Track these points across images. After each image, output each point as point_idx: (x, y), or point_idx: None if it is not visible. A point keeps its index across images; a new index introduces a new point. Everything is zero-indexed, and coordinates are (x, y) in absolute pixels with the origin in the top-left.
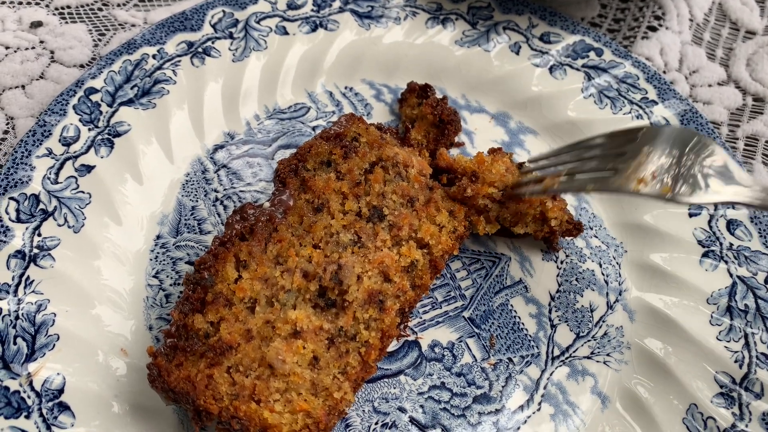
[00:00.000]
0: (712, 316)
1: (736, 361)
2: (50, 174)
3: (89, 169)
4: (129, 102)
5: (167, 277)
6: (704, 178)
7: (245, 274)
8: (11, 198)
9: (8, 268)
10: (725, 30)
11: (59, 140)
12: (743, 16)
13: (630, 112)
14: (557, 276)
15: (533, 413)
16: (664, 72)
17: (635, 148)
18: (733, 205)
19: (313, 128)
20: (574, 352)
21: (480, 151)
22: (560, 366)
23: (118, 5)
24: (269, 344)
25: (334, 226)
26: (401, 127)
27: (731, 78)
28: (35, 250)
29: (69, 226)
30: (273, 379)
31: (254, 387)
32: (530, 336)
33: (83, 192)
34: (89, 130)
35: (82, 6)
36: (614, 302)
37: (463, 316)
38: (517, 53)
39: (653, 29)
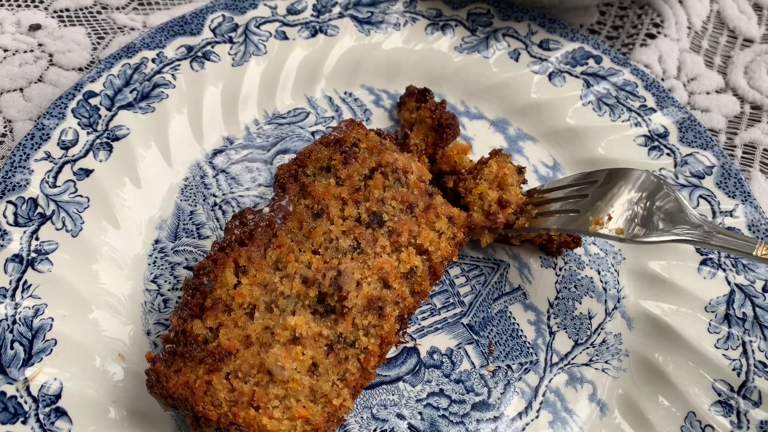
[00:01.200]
0: (710, 324)
1: (734, 369)
2: (48, 178)
3: (88, 173)
4: (128, 106)
5: (165, 281)
6: (657, 220)
7: (244, 280)
8: (9, 201)
9: (6, 272)
10: (723, 38)
11: (58, 144)
12: (741, 24)
13: (629, 120)
14: (556, 283)
15: (531, 420)
16: (663, 79)
17: (598, 191)
18: (679, 242)
19: (313, 133)
20: (572, 359)
21: (483, 156)
22: (559, 373)
23: (118, 8)
24: (268, 350)
25: (333, 231)
26: (400, 132)
27: (729, 86)
28: (33, 254)
29: (67, 230)
30: (272, 385)
31: (253, 393)
32: (529, 343)
33: (81, 196)
34: (88, 133)
35: (81, 9)
36: (612, 309)
37: (462, 323)
38: (517, 60)
39: (652, 36)
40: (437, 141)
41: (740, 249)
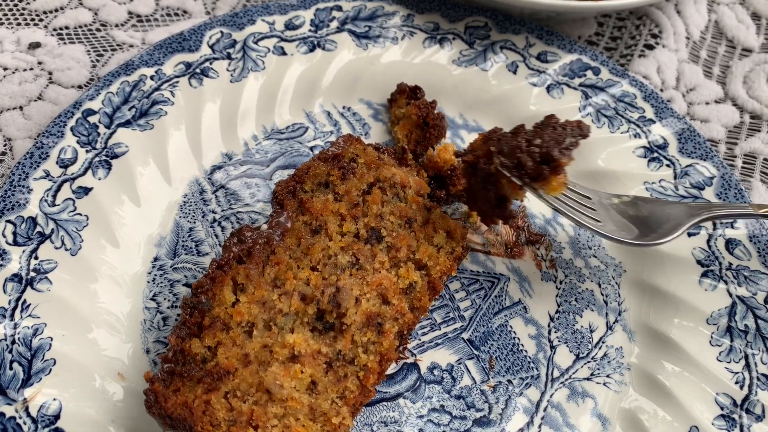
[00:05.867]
0: (712, 337)
1: (736, 383)
2: (47, 196)
3: (87, 191)
4: (127, 123)
5: (165, 299)
6: (655, 222)
7: (243, 298)
8: (8, 221)
9: (5, 292)
10: (722, 48)
11: (57, 162)
12: (739, 34)
13: (627, 131)
14: (556, 296)
15: None
16: (662, 90)
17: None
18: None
19: (311, 148)
20: (573, 373)
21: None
22: (560, 388)
23: (116, 26)
24: (267, 369)
25: (332, 248)
26: (398, 147)
27: (728, 96)
28: (32, 274)
29: (66, 249)
30: (271, 404)
31: (252, 412)
32: (530, 357)
33: (80, 214)
34: (87, 151)
35: (81, 27)
36: (614, 323)
37: (462, 338)
38: (515, 72)
39: (650, 47)
40: (420, 139)
41: (741, 212)
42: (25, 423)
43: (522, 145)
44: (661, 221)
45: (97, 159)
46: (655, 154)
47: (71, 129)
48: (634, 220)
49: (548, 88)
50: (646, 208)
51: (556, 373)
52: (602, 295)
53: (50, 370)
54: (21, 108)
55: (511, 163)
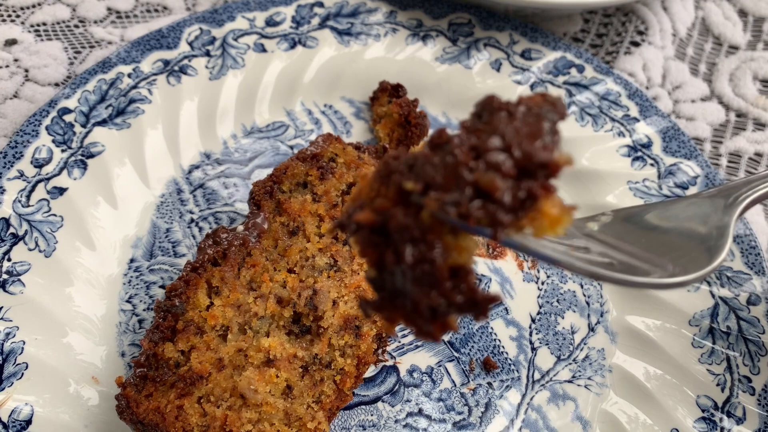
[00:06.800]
0: (694, 339)
1: (718, 385)
2: (21, 197)
3: (61, 191)
4: (103, 122)
5: (140, 301)
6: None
7: (217, 301)
8: None
9: None
10: (708, 45)
11: (31, 162)
12: (726, 31)
13: (611, 130)
14: (538, 297)
15: None
16: (647, 87)
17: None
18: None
19: (291, 147)
20: (554, 375)
21: None
22: (541, 390)
23: (95, 22)
24: (241, 373)
25: (309, 249)
26: (379, 145)
27: (714, 93)
28: (5, 276)
29: (40, 251)
30: (245, 409)
31: (225, 418)
32: (510, 359)
33: (55, 215)
34: (62, 151)
35: (58, 23)
36: (595, 324)
37: (443, 340)
38: (498, 70)
39: (636, 44)
40: (402, 138)
41: None
42: None
43: (465, 159)
44: (687, 231)
45: (72, 159)
46: (639, 153)
47: (46, 128)
48: (646, 242)
49: (532, 86)
50: (643, 222)
51: (537, 375)
52: (584, 296)
53: (22, 374)
54: None
55: (462, 196)
